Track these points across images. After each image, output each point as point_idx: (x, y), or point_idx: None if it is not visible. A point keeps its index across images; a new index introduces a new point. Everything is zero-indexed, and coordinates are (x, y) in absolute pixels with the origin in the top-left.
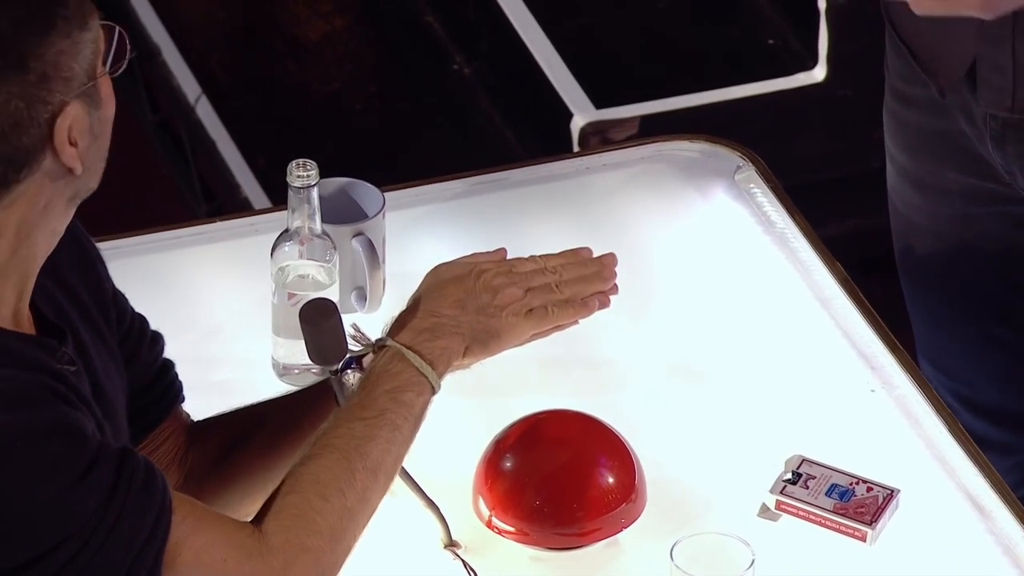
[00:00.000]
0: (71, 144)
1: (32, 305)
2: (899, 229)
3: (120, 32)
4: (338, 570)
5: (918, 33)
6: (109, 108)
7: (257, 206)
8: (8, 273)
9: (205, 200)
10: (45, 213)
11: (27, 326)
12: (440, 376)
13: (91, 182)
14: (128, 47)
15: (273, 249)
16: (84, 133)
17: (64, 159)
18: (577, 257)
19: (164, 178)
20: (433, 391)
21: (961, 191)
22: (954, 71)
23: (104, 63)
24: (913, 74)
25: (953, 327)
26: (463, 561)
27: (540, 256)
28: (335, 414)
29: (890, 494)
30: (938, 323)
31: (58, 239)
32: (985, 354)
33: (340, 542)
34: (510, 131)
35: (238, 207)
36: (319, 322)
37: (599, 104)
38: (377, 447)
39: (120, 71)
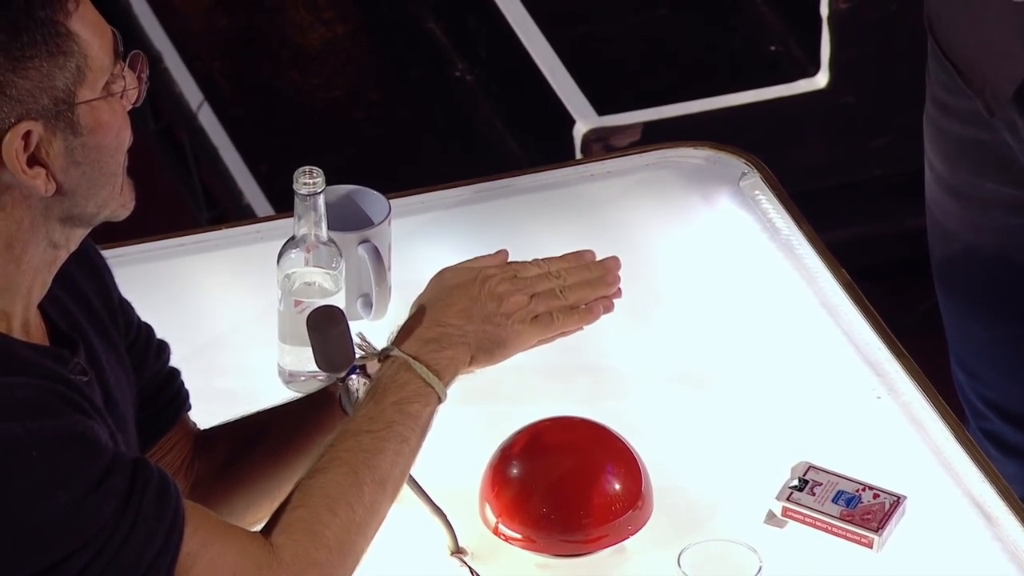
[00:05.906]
0: (39, 164)
1: (45, 315)
2: (936, 237)
3: (143, 61)
4: None
5: (964, 50)
6: (100, 136)
7: (259, 213)
8: (14, 287)
9: (207, 207)
10: (33, 230)
11: (38, 336)
12: (446, 386)
13: (87, 207)
14: (145, 80)
15: (279, 256)
16: (59, 156)
17: (21, 178)
18: (580, 260)
19: (166, 185)
20: (439, 401)
21: (1000, 202)
22: (1002, 89)
23: (98, 90)
24: (955, 85)
25: (986, 334)
26: (470, 568)
27: (543, 260)
28: (342, 426)
29: (896, 501)
30: (972, 330)
31: (63, 253)
32: (1017, 362)
33: (349, 555)
34: (512, 138)
35: (240, 214)
36: (327, 329)
37: (601, 111)
38: (385, 460)
39: (135, 105)
